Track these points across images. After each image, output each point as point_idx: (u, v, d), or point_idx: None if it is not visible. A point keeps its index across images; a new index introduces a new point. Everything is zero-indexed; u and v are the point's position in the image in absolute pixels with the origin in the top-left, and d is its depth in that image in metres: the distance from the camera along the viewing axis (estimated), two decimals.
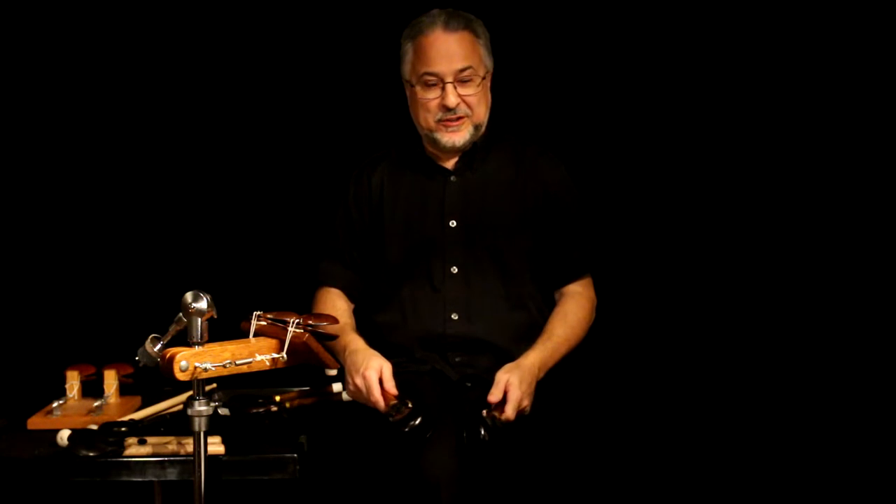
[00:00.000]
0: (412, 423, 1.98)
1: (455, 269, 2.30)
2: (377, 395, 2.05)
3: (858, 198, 2.82)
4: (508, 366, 2.13)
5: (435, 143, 2.30)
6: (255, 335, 1.95)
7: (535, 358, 2.17)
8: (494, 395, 2.05)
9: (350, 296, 2.38)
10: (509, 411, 2.03)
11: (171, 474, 1.92)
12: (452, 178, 2.34)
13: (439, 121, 2.27)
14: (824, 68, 2.80)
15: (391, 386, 2.07)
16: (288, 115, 2.93)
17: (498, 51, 2.35)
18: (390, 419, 2.01)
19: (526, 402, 2.07)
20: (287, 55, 2.90)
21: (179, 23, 2.88)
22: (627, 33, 2.85)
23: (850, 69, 2.79)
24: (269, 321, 1.97)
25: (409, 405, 2.01)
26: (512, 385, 2.05)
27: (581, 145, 2.81)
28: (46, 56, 2.88)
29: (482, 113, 2.30)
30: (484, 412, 2.02)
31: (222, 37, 2.89)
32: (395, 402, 2.03)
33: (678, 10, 2.83)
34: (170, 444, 1.94)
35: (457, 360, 2.29)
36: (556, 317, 2.31)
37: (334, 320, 2.10)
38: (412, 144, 2.38)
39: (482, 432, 1.98)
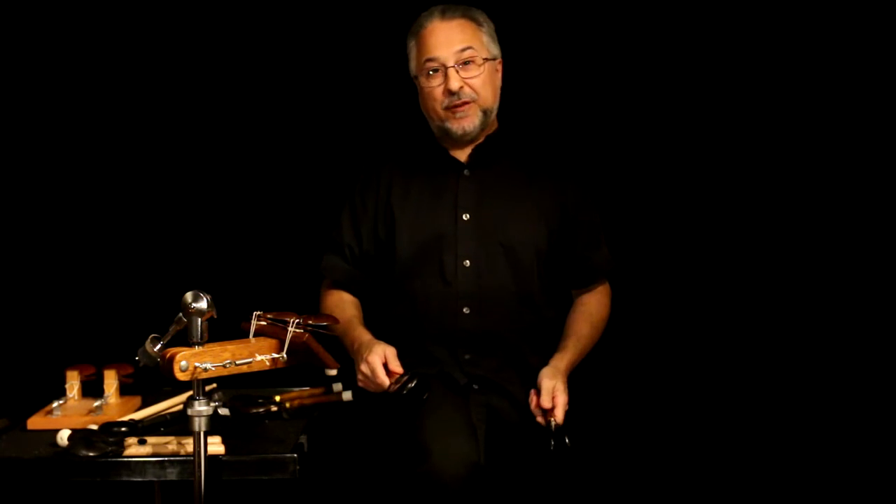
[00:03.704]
0: (409, 384, 2.01)
1: (467, 263, 2.29)
2: (382, 376, 2.07)
3: (860, 201, 2.82)
4: (549, 371, 2.18)
5: (446, 133, 2.30)
6: (255, 335, 1.95)
7: (570, 360, 2.24)
8: (546, 402, 2.11)
9: (350, 290, 2.41)
10: (559, 416, 2.09)
11: (171, 474, 1.91)
12: (466, 171, 2.34)
13: (446, 108, 2.27)
14: (838, 78, 2.79)
15: (396, 366, 2.09)
16: (289, 116, 2.93)
17: (510, 52, 2.35)
18: (389, 391, 2.04)
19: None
20: (289, 53, 2.90)
21: (180, 22, 2.88)
22: (642, 36, 2.85)
23: (850, 70, 2.79)
24: (269, 321, 1.96)
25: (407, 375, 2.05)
26: (559, 391, 2.13)
27: (598, 147, 2.82)
28: (46, 56, 2.88)
29: (489, 97, 2.29)
30: (552, 423, 2.09)
31: (222, 36, 2.89)
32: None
33: (690, 12, 2.83)
34: (170, 444, 1.94)
35: (466, 357, 2.29)
36: (581, 317, 2.35)
37: (334, 320, 2.10)
38: (425, 139, 2.39)
39: (566, 441, 2.06)
